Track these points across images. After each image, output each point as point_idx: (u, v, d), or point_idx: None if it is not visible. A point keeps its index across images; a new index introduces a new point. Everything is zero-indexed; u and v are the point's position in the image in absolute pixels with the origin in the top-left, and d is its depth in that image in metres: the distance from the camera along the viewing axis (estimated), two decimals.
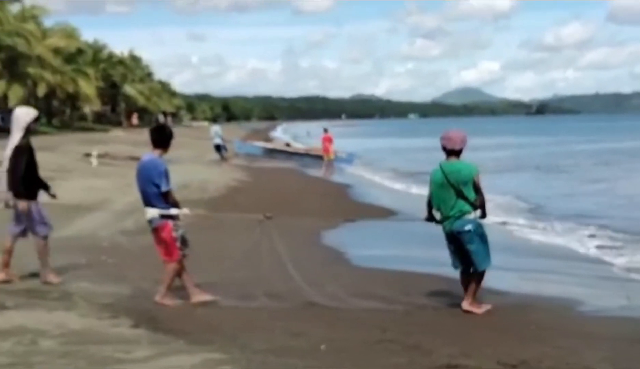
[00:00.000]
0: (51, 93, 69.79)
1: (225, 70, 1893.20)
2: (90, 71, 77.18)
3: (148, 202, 8.26)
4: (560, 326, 8.06)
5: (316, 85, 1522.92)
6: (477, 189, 8.14)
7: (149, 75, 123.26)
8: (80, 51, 77.60)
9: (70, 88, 71.17)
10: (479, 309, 8.29)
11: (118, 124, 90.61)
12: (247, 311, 8.07)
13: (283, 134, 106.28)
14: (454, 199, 8.12)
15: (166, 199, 8.25)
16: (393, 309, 8.38)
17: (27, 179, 9.04)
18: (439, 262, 9.62)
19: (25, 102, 65.73)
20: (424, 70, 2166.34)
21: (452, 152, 8.24)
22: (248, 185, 24.76)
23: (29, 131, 9.20)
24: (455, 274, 10.67)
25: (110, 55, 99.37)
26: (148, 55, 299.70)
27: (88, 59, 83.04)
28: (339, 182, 28.41)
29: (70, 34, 73.26)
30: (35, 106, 68.07)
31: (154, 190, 8.18)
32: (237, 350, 6.25)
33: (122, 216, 15.13)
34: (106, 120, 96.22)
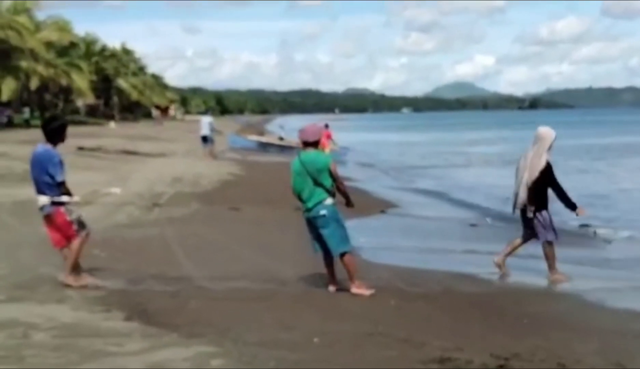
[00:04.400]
0: (44, 86, 69.65)
1: (219, 63, 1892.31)
2: (83, 64, 77.00)
3: (40, 191, 8.51)
4: (553, 318, 8.10)
5: (310, 79, 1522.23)
6: (333, 177, 8.58)
7: (142, 68, 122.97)
8: (73, 44, 77.42)
9: (63, 81, 71.02)
10: (368, 291, 8.65)
11: (111, 117, 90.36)
12: (239, 303, 8.06)
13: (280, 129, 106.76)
14: (312, 186, 8.55)
15: (59, 189, 8.50)
16: (386, 303, 8.38)
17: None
18: (432, 255, 9.63)
19: (18, 95, 65.83)
20: (418, 64, 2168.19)
21: (309, 144, 8.71)
22: (241, 179, 24.74)
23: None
24: (448, 267, 10.71)
25: (103, 49, 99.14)
26: (142, 48, 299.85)
27: (81, 53, 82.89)
28: None
29: (62, 27, 72.92)
30: (28, 100, 68.17)
31: (47, 179, 8.44)
32: (229, 343, 6.25)
33: (115, 210, 15.10)
34: (100, 113, 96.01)
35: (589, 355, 6.42)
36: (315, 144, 8.73)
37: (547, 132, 10.22)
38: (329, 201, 8.57)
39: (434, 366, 5.82)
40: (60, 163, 8.43)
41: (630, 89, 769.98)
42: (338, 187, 8.68)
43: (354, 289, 8.67)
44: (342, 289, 8.77)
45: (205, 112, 42.93)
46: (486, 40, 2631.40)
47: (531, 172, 9.99)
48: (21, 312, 7.22)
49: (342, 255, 8.67)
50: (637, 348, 7.04)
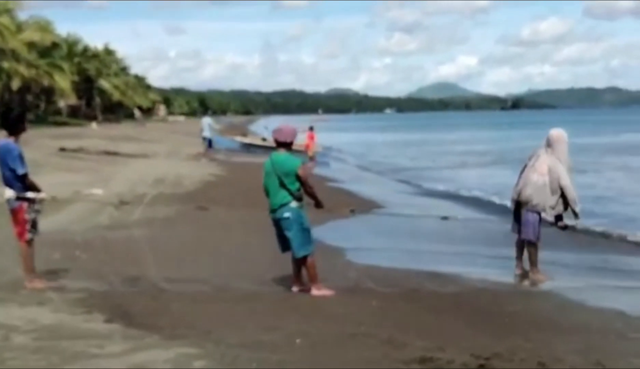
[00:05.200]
0: (25, 87, 69.24)
1: (203, 64, 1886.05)
2: (65, 65, 76.60)
3: (7, 184, 8.55)
4: (534, 318, 8.15)
5: (293, 80, 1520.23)
6: (301, 182, 8.61)
7: (125, 69, 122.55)
8: (55, 45, 77.01)
9: (45, 82, 70.65)
10: (328, 292, 8.70)
11: (93, 118, 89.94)
12: (222, 305, 8.05)
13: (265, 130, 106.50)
14: (278, 187, 8.62)
15: (23, 182, 8.52)
16: (368, 304, 8.39)
17: None
18: (413, 256, 9.65)
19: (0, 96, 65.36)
20: (401, 64, 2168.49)
21: (283, 144, 8.75)
22: (224, 180, 24.68)
23: None
24: (434, 267, 10.74)
25: (85, 49, 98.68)
26: (125, 48, 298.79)
27: (63, 53, 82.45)
28: (317, 174, 28.44)
29: (44, 27, 72.55)
30: (10, 100, 67.71)
31: (10, 174, 8.48)
32: (211, 345, 6.24)
33: (96, 211, 15.04)
34: (81, 114, 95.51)
35: (570, 354, 6.45)
36: (289, 145, 8.77)
37: (560, 134, 10.34)
38: (293, 204, 8.61)
39: (415, 366, 5.84)
40: (20, 156, 8.47)
41: (612, 90, 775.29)
42: (307, 192, 8.72)
43: (315, 292, 8.70)
44: (305, 290, 8.80)
45: (204, 113, 42.93)
46: (469, 41, 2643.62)
47: (553, 176, 10.05)
48: (1, 315, 7.17)
49: (304, 257, 8.71)
50: (618, 347, 7.08)
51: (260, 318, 7.49)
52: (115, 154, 34.69)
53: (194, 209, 15.99)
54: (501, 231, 11.54)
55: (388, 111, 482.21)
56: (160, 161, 32.88)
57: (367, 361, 6.00)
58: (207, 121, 38.42)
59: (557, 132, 10.38)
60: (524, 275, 10.22)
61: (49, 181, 20.18)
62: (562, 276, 10.54)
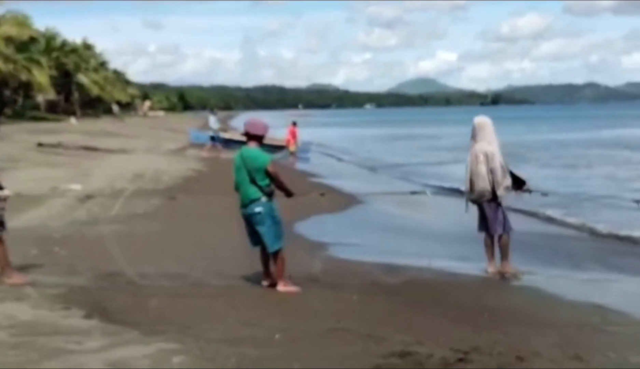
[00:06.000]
0: (3, 82, 68.64)
1: (182, 59, 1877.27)
2: (43, 60, 75.95)
3: None
4: (513, 312, 8.22)
5: (273, 75, 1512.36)
6: (271, 177, 8.56)
7: (104, 64, 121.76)
8: (32, 39, 76.30)
9: (23, 77, 70.02)
10: (294, 288, 8.66)
11: (72, 113, 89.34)
12: (201, 301, 8.03)
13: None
14: (248, 183, 8.58)
15: None
16: (348, 299, 8.41)
17: None
18: (395, 250, 9.67)
19: None
20: (381, 60, 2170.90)
21: (254, 138, 8.71)
22: (204, 175, 24.64)
23: None
24: (413, 261, 10.77)
25: (64, 44, 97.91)
26: (104, 43, 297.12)
27: (41, 48, 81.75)
28: (298, 170, 28.50)
29: (22, 22, 71.83)
30: None
31: None
32: (190, 340, 6.23)
33: (74, 207, 14.96)
34: (60, 109, 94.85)
35: (548, 348, 6.50)
36: (259, 139, 8.72)
37: (483, 120, 10.35)
38: (263, 198, 8.56)
39: (394, 360, 5.86)
40: None
41: (590, 85, 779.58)
42: (278, 187, 8.70)
43: (281, 288, 8.66)
44: (272, 284, 8.78)
45: (211, 110, 42.98)
46: (448, 36, 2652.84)
47: (492, 161, 10.06)
48: None
49: (277, 252, 8.68)
50: (596, 340, 7.14)
51: (240, 313, 7.48)
52: (94, 149, 34.52)
53: (168, 200, 15.94)
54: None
55: (368, 106, 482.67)
56: (139, 156, 32.77)
57: (346, 356, 6.01)
58: (213, 118, 38.97)
59: (479, 119, 10.37)
60: (499, 274, 10.18)
61: (27, 176, 20.07)
62: (539, 270, 10.61)
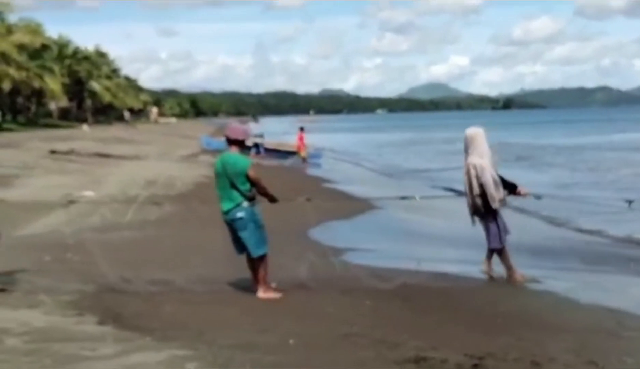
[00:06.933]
0: (16, 89, 69.03)
1: (194, 65, 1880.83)
2: (56, 67, 76.46)
3: None
4: (527, 317, 8.15)
5: (285, 81, 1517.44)
6: (252, 182, 8.48)
7: (116, 71, 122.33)
8: (45, 47, 76.82)
9: (36, 84, 70.45)
10: (275, 294, 8.56)
11: (84, 120, 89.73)
12: (214, 306, 8.02)
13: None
14: (229, 189, 8.51)
15: None
16: (362, 304, 8.38)
17: None
18: (409, 256, 9.64)
19: None
20: (393, 65, 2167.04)
21: (235, 142, 8.65)
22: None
23: None
24: (426, 266, 10.73)
25: (76, 51, 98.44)
26: (116, 50, 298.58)
27: (53, 55, 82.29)
28: (310, 175, 28.52)
29: (34, 29, 72.42)
30: (0, 103, 67.46)
31: None
32: (203, 346, 6.21)
33: (87, 213, 14.99)
34: (72, 116, 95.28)
35: (563, 353, 6.46)
36: (240, 144, 8.68)
37: (474, 132, 10.15)
38: (245, 203, 8.49)
39: (409, 366, 5.83)
40: None
41: (602, 89, 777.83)
42: (260, 192, 8.60)
43: (261, 294, 8.54)
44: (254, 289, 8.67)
45: (253, 117, 43.54)
46: (460, 41, 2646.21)
47: (483, 176, 9.90)
48: None
49: (261, 257, 8.58)
50: (611, 345, 7.09)
51: (253, 318, 7.46)
52: (107, 156, 34.63)
53: (181, 206, 15.94)
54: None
55: (379, 111, 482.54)
56: (152, 162, 32.84)
57: (360, 361, 5.98)
58: (253, 126, 39.47)
59: (470, 131, 10.16)
60: (491, 277, 10.07)
61: (41, 184, 20.16)
62: (554, 274, 10.55)
